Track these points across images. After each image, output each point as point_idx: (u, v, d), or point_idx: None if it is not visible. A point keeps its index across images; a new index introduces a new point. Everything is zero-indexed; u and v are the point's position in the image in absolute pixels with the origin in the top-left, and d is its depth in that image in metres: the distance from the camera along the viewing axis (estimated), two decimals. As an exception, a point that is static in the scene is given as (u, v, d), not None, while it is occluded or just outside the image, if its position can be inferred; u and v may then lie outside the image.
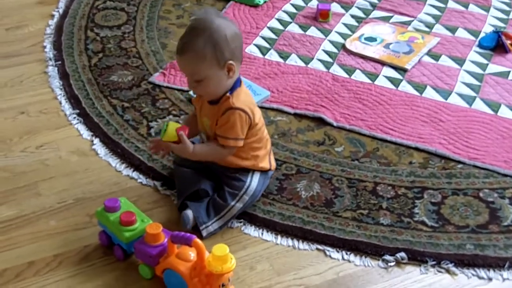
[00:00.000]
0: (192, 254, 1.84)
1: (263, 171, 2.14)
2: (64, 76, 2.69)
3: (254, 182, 2.10)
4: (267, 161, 2.15)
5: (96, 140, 2.38)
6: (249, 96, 2.08)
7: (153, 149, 2.11)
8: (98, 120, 2.46)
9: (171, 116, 2.48)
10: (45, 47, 2.88)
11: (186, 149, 2.00)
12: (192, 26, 1.99)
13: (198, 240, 1.79)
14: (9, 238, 2.02)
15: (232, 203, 2.06)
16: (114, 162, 2.30)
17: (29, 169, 2.27)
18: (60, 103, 2.56)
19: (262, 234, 2.07)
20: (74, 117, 2.48)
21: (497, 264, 1.99)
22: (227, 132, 2.02)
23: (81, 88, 2.62)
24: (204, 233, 2.02)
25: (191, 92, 2.57)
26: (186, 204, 2.08)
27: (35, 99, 2.58)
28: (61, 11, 3.12)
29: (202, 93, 2.02)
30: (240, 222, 2.10)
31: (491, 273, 1.97)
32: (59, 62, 2.76)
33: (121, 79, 2.68)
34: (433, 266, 1.99)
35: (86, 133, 2.41)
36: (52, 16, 3.10)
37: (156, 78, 2.68)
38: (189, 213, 2.04)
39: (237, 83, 2.04)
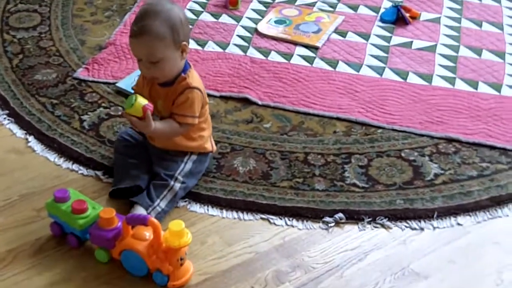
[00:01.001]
0: (147, 233, 1.91)
1: (202, 154, 2.23)
2: (-14, 79, 2.70)
3: (188, 164, 2.19)
4: (210, 143, 2.25)
5: (31, 138, 2.40)
6: (199, 77, 2.18)
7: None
8: (29, 119, 2.48)
9: (101, 109, 2.54)
10: (-38, 53, 2.87)
11: (148, 127, 2.06)
12: (146, 10, 2.06)
13: (153, 219, 1.87)
14: (-40, 239, 2.04)
15: (171, 182, 2.13)
16: (52, 157, 2.33)
17: (-33, 171, 2.28)
18: (-12, 106, 2.57)
19: (207, 210, 2.16)
20: (4, 118, 2.49)
21: (426, 215, 2.16)
22: (186, 110, 2.11)
23: (7, 89, 2.63)
24: (153, 215, 2.06)
25: (119, 84, 2.63)
26: (119, 192, 2.16)
27: (-40, 105, 2.58)
28: (-27, 17, 3.11)
29: (158, 74, 2.09)
30: (185, 201, 2.18)
31: (422, 224, 2.14)
32: (-20, 67, 2.77)
33: (46, 77, 2.70)
34: (369, 222, 2.13)
35: (19, 132, 2.43)
36: (-36, 22, 3.08)
37: (81, 73, 2.72)
38: (138, 210, 2.08)
39: (187, 64, 2.14)
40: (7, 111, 2.52)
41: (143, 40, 2.04)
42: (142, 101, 2.05)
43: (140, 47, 2.06)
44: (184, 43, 2.09)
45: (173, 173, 2.15)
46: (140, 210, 2.06)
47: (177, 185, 2.14)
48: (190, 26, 3.02)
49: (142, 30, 2.03)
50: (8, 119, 2.49)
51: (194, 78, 2.14)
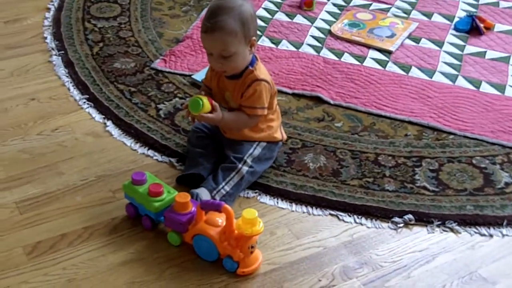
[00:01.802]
0: (219, 220, 1.95)
1: (271, 142, 2.27)
2: (68, 64, 2.78)
3: (257, 150, 2.23)
4: (279, 132, 2.30)
5: (109, 122, 2.48)
6: (265, 69, 2.23)
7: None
8: (108, 104, 2.56)
9: (177, 99, 2.60)
10: (45, 38, 2.96)
11: (218, 117, 2.13)
12: (218, 6, 2.10)
13: (227, 206, 1.91)
14: (39, 213, 2.11)
15: (239, 165, 2.17)
16: (129, 142, 2.40)
17: (48, 150, 2.35)
18: (69, 89, 2.65)
19: (277, 202, 2.20)
20: (84, 102, 2.58)
21: (496, 222, 2.15)
22: (255, 102, 2.16)
23: (87, 75, 2.72)
24: (217, 198, 2.11)
25: (194, 76, 2.69)
26: (184, 180, 2.21)
27: (43, 87, 2.67)
28: (56, 4, 3.20)
29: (228, 68, 2.15)
30: (256, 192, 2.22)
31: (492, 230, 2.13)
32: (62, 52, 2.85)
33: (124, 66, 2.78)
34: (438, 226, 2.14)
35: (98, 116, 2.51)
36: (48, 9, 3.17)
37: (158, 64, 2.79)
38: (202, 193, 2.12)
39: (254, 57, 2.19)
40: (87, 96, 2.61)
41: (216, 36, 2.08)
42: (204, 97, 2.11)
43: (213, 43, 2.11)
44: (254, 38, 2.14)
45: (242, 156, 2.19)
46: (204, 193, 2.10)
47: (245, 168, 2.17)
48: (265, 25, 3.08)
49: (216, 26, 2.07)
50: (88, 103, 2.57)
51: (261, 70, 2.19)
